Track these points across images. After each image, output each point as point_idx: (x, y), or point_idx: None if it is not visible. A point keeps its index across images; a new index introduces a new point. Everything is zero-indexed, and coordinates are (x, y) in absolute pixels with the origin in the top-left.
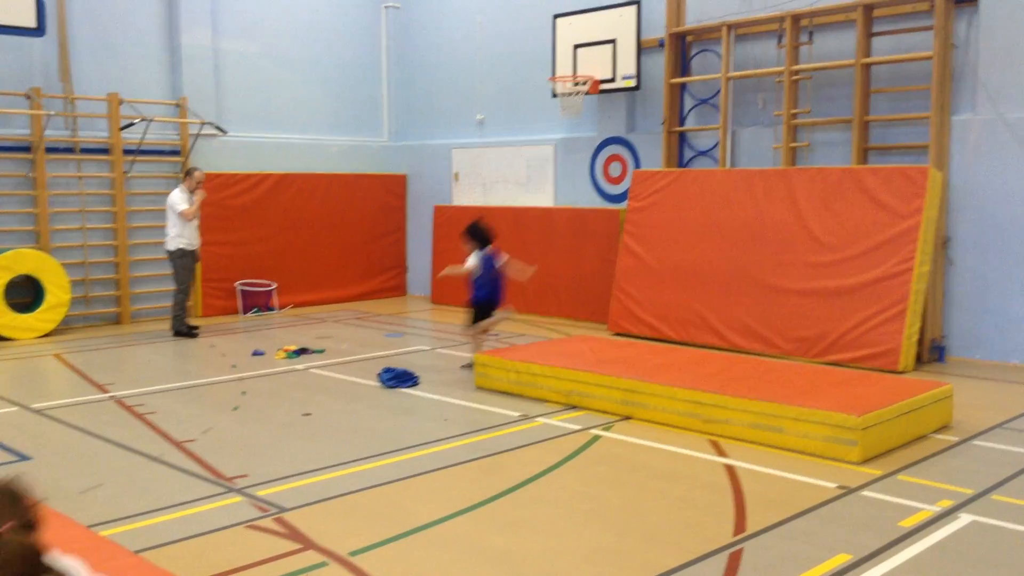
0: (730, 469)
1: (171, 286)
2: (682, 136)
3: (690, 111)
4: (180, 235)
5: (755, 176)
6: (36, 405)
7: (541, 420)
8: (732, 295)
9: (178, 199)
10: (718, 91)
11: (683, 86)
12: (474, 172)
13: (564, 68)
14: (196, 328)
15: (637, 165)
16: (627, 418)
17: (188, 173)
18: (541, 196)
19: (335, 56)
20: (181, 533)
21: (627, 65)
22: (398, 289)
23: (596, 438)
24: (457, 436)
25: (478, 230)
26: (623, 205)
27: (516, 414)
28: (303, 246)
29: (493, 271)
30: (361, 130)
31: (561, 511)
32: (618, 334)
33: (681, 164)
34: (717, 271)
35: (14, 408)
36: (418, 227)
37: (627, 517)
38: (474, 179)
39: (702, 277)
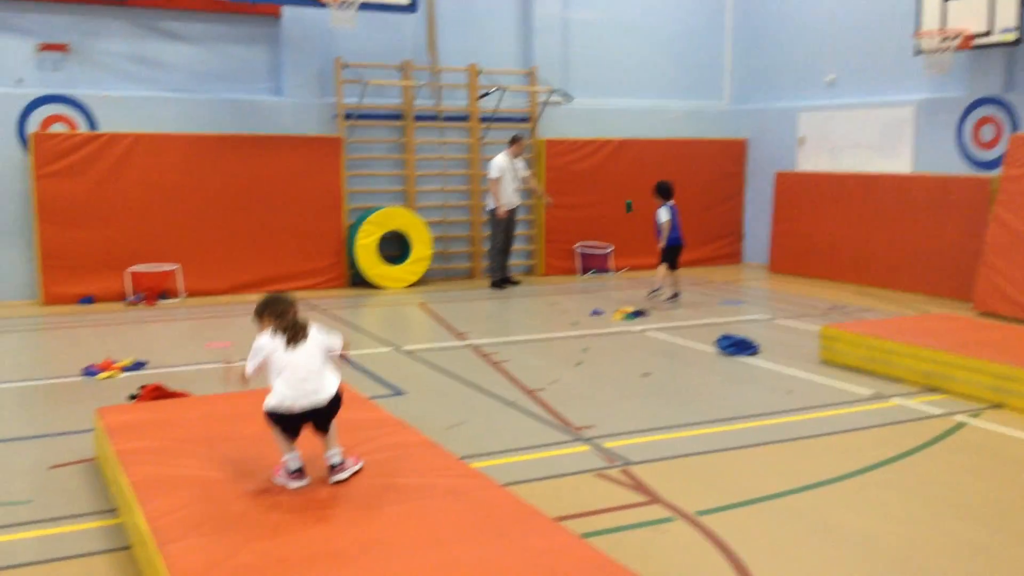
0: None
1: (513, 245)
2: None
3: None
4: (493, 195)
5: None
6: (406, 347)
7: (896, 401)
8: None
9: (494, 166)
10: None
11: None
12: (822, 136)
13: (931, 22)
14: (516, 282)
15: (1015, 129)
16: (998, 406)
17: (515, 140)
18: (897, 162)
19: (679, 19)
20: (536, 473)
21: (1007, 16)
22: (733, 256)
23: (960, 425)
24: (802, 409)
25: (666, 187)
26: (995, 172)
27: (868, 392)
28: (640, 210)
29: (677, 218)
30: (702, 94)
31: (919, 499)
32: (984, 314)
33: None
34: None
35: (388, 349)
36: (757, 194)
37: (997, 513)
38: (821, 144)
39: None
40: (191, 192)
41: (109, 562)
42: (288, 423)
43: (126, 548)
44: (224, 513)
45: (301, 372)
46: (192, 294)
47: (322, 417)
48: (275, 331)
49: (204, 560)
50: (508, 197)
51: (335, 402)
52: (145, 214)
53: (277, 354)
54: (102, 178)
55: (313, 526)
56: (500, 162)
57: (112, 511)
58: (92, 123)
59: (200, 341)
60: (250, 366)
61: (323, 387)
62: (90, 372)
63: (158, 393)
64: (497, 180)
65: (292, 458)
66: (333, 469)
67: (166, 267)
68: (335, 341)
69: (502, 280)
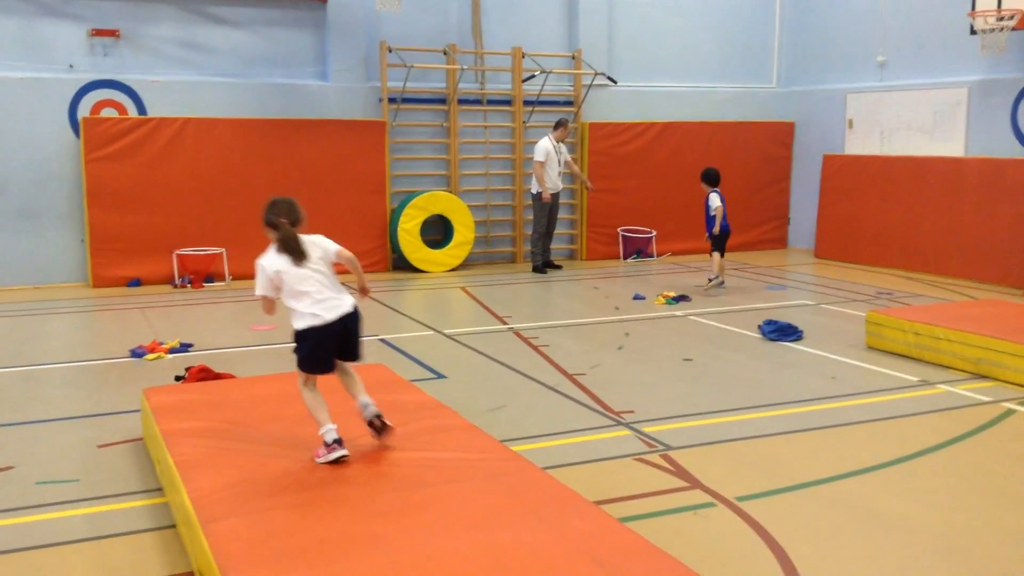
0: None
1: (555, 229)
2: None
3: None
4: (537, 179)
5: None
6: (448, 331)
7: (943, 387)
8: None
9: (539, 149)
10: None
11: None
12: (871, 119)
13: (986, 1)
14: (558, 266)
15: None
16: None
17: (560, 124)
18: (950, 145)
19: (727, 0)
20: (576, 457)
21: None
22: (779, 242)
23: (1009, 412)
24: (846, 395)
25: (714, 173)
26: None
27: (914, 379)
28: (683, 194)
29: (724, 205)
30: (749, 76)
31: (967, 486)
32: None
33: None
34: None
35: (430, 332)
36: (804, 177)
37: None
38: (871, 127)
39: None
40: (237, 176)
41: (155, 540)
42: (322, 344)
43: (172, 527)
44: (267, 493)
45: (318, 289)
46: (237, 277)
47: (350, 334)
48: (278, 249)
49: (246, 539)
50: (552, 181)
51: (358, 316)
52: (192, 198)
53: (288, 275)
54: (151, 162)
55: (354, 508)
56: (545, 145)
57: (158, 490)
58: (141, 108)
59: (245, 324)
60: (261, 288)
61: (342, 296)
62: (138, 353)
63: (204, 374)
64: (542, 164)
65: (329, 430)
66: (367, 408)
67: (212, 251)
68: (331, 246)
69: (544, 264)
